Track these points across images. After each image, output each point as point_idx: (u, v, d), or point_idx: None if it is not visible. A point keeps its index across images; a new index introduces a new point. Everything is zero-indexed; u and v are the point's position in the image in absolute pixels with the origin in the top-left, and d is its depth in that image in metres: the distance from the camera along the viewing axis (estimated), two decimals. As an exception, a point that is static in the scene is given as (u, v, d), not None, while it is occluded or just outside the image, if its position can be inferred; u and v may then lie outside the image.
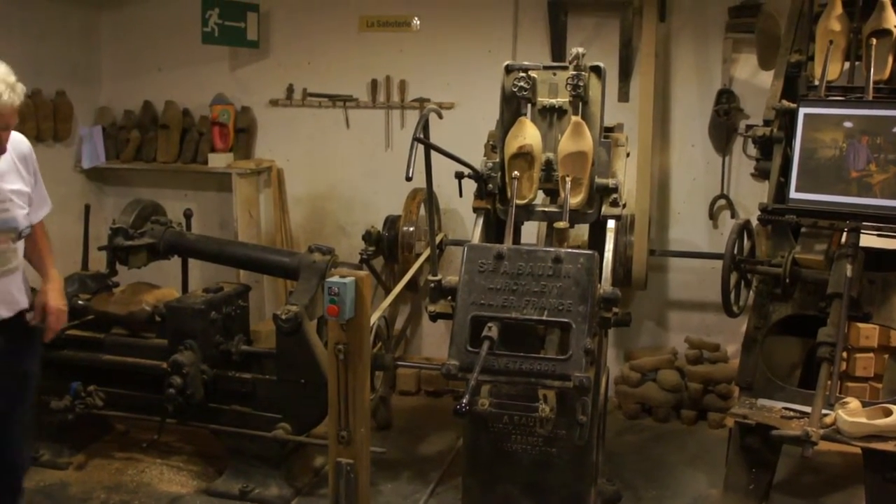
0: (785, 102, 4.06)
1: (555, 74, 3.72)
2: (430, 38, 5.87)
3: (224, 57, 6.23)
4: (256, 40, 6.07)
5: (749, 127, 4.79)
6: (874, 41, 3.99)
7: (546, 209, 3.72)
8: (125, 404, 4.55)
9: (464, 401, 2.82)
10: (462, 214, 5.77)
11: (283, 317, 4.14)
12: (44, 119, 5.86)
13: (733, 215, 5.48)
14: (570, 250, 3.28)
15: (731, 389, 5.19)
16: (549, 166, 3.67)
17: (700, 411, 5.42)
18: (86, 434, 4.81)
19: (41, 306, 3.44)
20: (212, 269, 5.61)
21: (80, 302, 4.62)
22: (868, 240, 3.89)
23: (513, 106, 3.72)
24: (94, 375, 4.51)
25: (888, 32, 4.01)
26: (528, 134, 3.64)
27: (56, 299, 3.46)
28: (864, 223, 3.75)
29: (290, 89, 6.14)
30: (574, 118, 3.61)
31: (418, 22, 5.88)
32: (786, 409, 3.76)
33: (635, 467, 4.79)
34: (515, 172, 3.62)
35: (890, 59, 4.03)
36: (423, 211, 5.34)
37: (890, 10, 4.03)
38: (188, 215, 5.07)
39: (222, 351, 4.38)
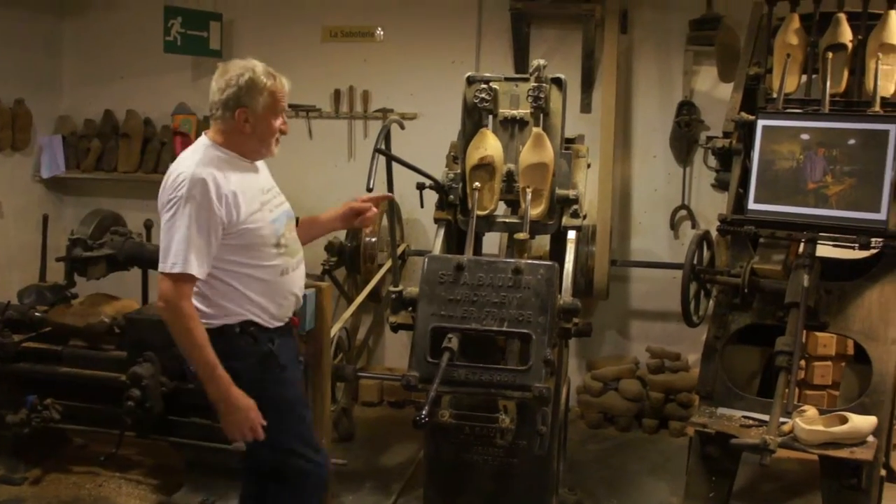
0: (744, 114, 4.10)
1: (516, 86, 3.75)
2: (393, 48, 5.87)
3: (186, 66, 6.19)
4: (219, 50, 6.03)
5: (709, 138, 4.84)
6: (830, 55, 4.05)
7: (507, 220, 3.73)
8: (83, 417, 4.47)
9: (423, 412, 2.82)
10: (425, 224, 5.75)
11: (244, 328, 4.10)
12: (2, 128, 5.80)
13: (694, 226, 5.53)
14: (530, 261, 3.29)
15: (692, 398, 5.22)
16: (510, 177, 3.68)
17: (661, 420, 5.45)
18: (42, 448, 4.71)
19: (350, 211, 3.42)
20: (173, 279, 5.56)
21: (37, 314, 4.55)
22: (825, 250, 3.94)
23: (474, 117, 3.74)
24: (52, 388, 4.43)
25: (844, 47, 4.08)
26: (490, 145, 3.66)
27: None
28: (821, 234, 3.80)
29: (253, 99, 6.10)
30: (535, 130, 3.63)
31: (382, 32, 5.88)
32: (745, 417, 3.79)
33: (597, 476, 4.80)
34: (476, 183, 3.62)
35: (846, 73, 4.10)
36: (385, 221, 5.33)
37: (845, 24, 4.10)
38: (149, 226, 5.02)
39: (183, 363, 4.32)
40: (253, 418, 2.99)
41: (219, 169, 2.97)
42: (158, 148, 6.11)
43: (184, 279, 2.86)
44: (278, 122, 3.09)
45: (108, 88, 6.31)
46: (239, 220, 2.96)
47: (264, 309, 3.07)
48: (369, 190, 3.24)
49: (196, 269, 2.86)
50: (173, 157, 5.91)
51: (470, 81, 3.75)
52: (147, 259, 4.76)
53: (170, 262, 2.85)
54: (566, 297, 3.33)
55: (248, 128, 3.02)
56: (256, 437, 3.02)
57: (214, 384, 2.94)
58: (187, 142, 5.99)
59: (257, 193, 3.09)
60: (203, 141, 3.10)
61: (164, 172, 6.12)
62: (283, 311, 3.15)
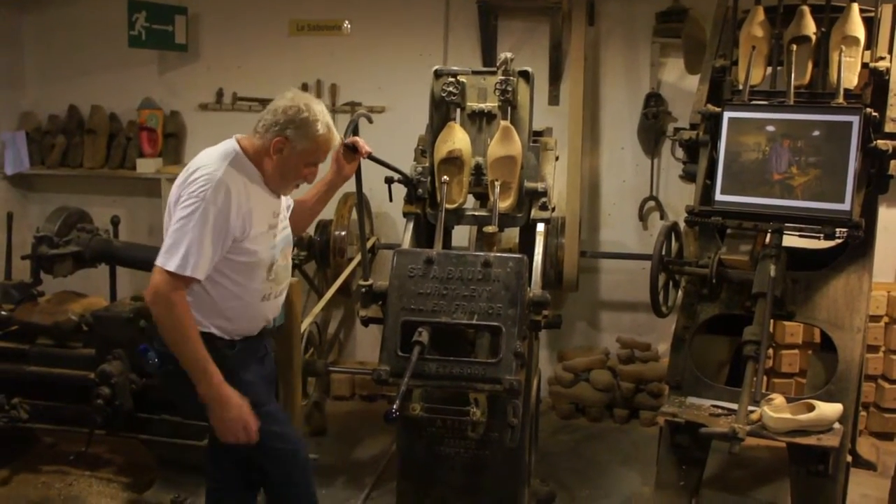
0: (710, 106, 4.13)
1: (484, 79, 3.74)
2: (361, 41, 5.85)
3: (152, 60, 6.12)
4: (185, 44, 5.98)
5: (676, 130, 4.86)
6: (795, 47, 4.09)
7: (476, 213, 3.73)
8: (51, 416, 4.43)
9: (394, 406, 2.82)
10: (394, 218, 5.75)
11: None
12: (-36, 124, 5.72)
13: (662, 217, 5.56)
14: (499, 254, 3.29)
15: (662, 388, 5.26)
16: (478, 171, 3.68)
17: (632, 410, 5.49)
18: (10, 448, 4.68)
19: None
20: (141, 276, 5.51)
21: (3, 312, 4.50)
22: (790, 240, 3.98)
23: (442, 111, 3.73)
24: (19, 387, 4.40)
25: (808, 39, 4.11)
26: (458, 139, 3.65)
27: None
28: (787, 224, 3.84)
29: (220, 93, 6.06)
30: (503, 123, 3.63)
31: (349, 25, 5.86)
32: (714, 406, 3.82)
33: (569, 467, 4.84)
34: (445, 177, 3.62)
35: (810, 65, 4.14)
36: (354, 215, 5.32)
37: (809, 17, 4.13)
38: (116, 222, 4.98)
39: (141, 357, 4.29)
40: (246, 417, 2.93)
41: (243, 181, 2.95)
42: (124, 143, 6.05)
43: (183, 279, 2.81)
44: (306, 171, 3.10)
45: (73, 83, 6.23)
46: (248, 237, 2.95)
47: (231, 323, 3.05)
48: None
49: (200, 273, 2.83)
50: (140, 153, 5.92)
51: (437, 75, 3.74)
52: (114, 256, 4.73)
53: (176, 262, 2.78)
54: (536, 289, 3.33)
55: (276, 158, 3.00)
56: (250, 438, 2.96)
57: (206, 381, 2.86)
58: (153, 136, 5.95)
59: (269, 216, 3.09)
60: (233, 145, 3.02)
61: (131, 168, 6.14)
62: (246, 331, 3.13)
